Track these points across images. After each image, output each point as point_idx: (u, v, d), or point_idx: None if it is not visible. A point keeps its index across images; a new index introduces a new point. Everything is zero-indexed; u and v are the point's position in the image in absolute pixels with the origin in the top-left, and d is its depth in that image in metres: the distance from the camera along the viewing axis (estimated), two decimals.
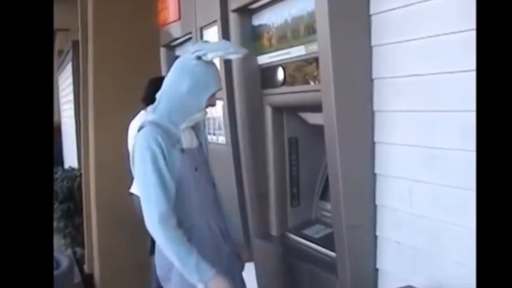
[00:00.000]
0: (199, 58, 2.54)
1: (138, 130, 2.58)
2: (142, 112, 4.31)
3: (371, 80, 2.46)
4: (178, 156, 2.54)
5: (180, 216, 2.53)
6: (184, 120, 2.59)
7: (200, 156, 2.72)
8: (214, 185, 2.80)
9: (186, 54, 2.61)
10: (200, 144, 2.74)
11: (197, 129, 2.75)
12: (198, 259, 2.45)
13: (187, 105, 2.57)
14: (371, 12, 2.44)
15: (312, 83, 2.80)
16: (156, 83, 4.33)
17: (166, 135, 2.51)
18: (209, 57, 2.55)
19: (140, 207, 4.24)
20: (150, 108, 2.65)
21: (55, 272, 3.35)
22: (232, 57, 2.65)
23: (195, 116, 2.63)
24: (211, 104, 2.64)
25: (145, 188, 2.51)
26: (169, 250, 2.47)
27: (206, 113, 2.68)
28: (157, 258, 2.70)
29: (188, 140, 2.63)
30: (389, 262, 2.50)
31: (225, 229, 2.77)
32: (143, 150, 2.49)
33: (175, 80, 2.58)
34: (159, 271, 2.70)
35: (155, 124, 2.54)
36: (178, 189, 2.54)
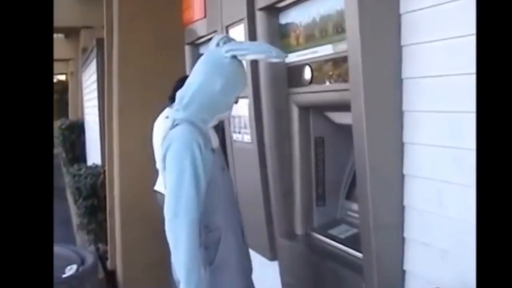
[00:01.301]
0: (233, 57, 2.50)
1: (172, 127, 2.51)
2: (168, 109, 4.32)
3: (401, 80, 2.44)
4: (210, 156, 2.50)
5: (207, 218, 2.49)
6: (212, 119, 2.57)
7: (223, 155, 2.71)
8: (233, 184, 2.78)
9: (218, 51, 2.53)
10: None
11: (222, 124, 2.73)
12: (201, 279, 2.41)
13: (218, 104, 2.54)
14: (401, 11, 2.41)
15: (339, 82, 2.78)
16: (184, 81, 4.37)
17: (202, 135, 2.47)
18: (247, 58, 2.54)
19: (163, 203, 4.28)
20: (177, 105, 2.57)
21: (81, 268, 3.38)
22: (273, 60, 2.58)
23: (223, 115, 2.62)
24: (236, 101, 2.63)
25: (177, 191, 2.42)
26: (182, 260, 2.40)
27: (231, 111, 2.66)
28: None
29: (214, 139, 2.61)
30: (417, 263, 2.48)
31: (243, 230, 2.76)
32: (183, 150, 2.42)
33: (207, 78, 2.51)
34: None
35: (191, 122, 2.49)
36: (207, 190, 2.48)
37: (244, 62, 2.62)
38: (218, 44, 2.58)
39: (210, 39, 4.31)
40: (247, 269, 2.74)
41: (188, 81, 2.60)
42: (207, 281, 2.49)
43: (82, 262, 3.49)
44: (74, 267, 3.37)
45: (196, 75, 2.56)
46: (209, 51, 2.62)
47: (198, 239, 2.42)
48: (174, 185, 2.44)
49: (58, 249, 3.76)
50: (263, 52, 2.53)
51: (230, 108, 2.61)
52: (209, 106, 2.53)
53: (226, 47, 2.51)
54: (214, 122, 2.60)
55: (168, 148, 2.47)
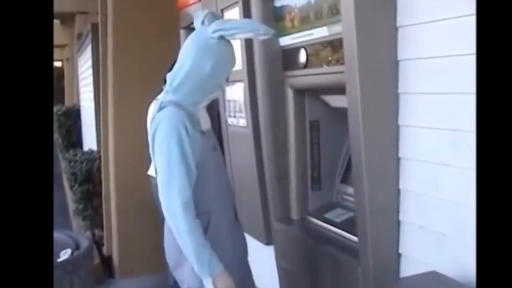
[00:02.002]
0: (221, 37, 2.44)
1: (159, 110, 2.49)
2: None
3: (396, 62, 2.42)
4: (199, 138, 2.48)
5: (197, 201, 2.46)
6: (203, 100, 2.55)
7: (214, 136, 2.68)
8: (225, 166, 2.76)
9: (205, 32, 2.47)
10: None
11: (216, 108, 2.71)
12: (212, 253, 2.40)
13: (208, 85, 2.51)
14: None
15: (335, 65, 2.76)
16: None
17: (189, 118, 2.45)
18: (236, 37, 2.49)
19: (156, 188, 4.27)
20: (167, 87, 2.54)
21: (76, 253, 3.37)
22: (261, 38, 2.54)
23: (213, 95, 2.61)
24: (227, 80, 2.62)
25: (168, 173, 2.41)
26: (186, 240, 2.39)
27: (222, 90, 2.63)
28: (167, 245, 2.65)
29: (205, 121, 2.59)
30: (412, 247, 2.47)
31: (236, 211, 2.73)
32: (168, 132, 2.41)
33: (196, 61, 2.46)
34: (172, 260, 2.64)
35: (178, 105, 2.46)
36: (198, 173, 2.47)
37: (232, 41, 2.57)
38: (203, 22, 2.52)
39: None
40: (240, 250, 2.71)
41: (177, 62, 2.55)
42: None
43: (76, 247, 3.48)
44: (69, 251, 3.36)
45: (185, 58, 2.51)
46: (196, 31, 2.56)
47: (195, 215, 2.40)
48: (164, 167, 2.42)
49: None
50: (250, 30, 2.47)
51: (221, 87, 2.61)
52: (199, 88, 2.50)
53: (212, 27, 2.45)
54: (205, 102, 2.59)
55: (155, 130, 2.45)
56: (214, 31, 2.43)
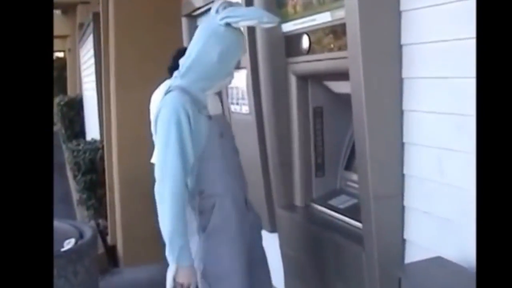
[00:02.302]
0: (228, 24, 2.50)
1: (165, 94, 2.55)
2: (167, 82, 4.27)
3: (400, 46, 2.40)
4: (205, 122, 2.53)
5: (202, 184, 2.54)
6: (212, 86, 2.60)
7: (225, 122, 2.74)
8: (238, 153, 2.78)
9: (214, 19, 2.54)
10: (223, 110, 2.75)
11: (221, 95, 2.72)
12: (186, 244, 2.46)
13: (217, 72, 2.56)
14: None
15: (338, 50, 2.73)
16: (184, 52, 4.33)
17: (193, 101, 2.49)
18: (240, 25, 2.52)
19: None
20: (176, 73, 2.61)
21: (80, 242, 3.36)
22: (266, 26, 2.55)
23: (224, 82, 2.65)
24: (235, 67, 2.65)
25: (163, 154, 2.47)
26: (166, 221, 2.44)
27: (233, 77, 2.67)
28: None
29: (214, 106, 2.63)
30: (417, 232, 2.46)
31: (248, 197, 2.77)
32: (168, 115, 2.47)
33: (205, 47, 2.53)
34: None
35: (183, 90, 2.52)
36: (203, 156, 2.53)
37: (241, 28, 2.61)
38: (217, 11, 2.57)
39: (207, 11, 4.29)
40: (248, 236, 2.71)
41: (188, 49, 2.61)
42: (201, 246, 2.57)
43: (80, 236, 3.47)
44: (73, 241, 3.35)
45: (195, 44, 2.58)
46: (207, 19, 2.63)
47: (183, 203, 2.46)
48: (161, 149, 2.49)
49: (56, 223, 3.72)
50: (255, 18, 2.50)
51: (230, 74, 2.63)
52: (207, 74, 2.55)
53: (221, 15, 2.51)
54: (215, 89, 2.64)
55: (158, 113, 2.52)
56: (222, 19, 2.49)
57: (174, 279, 2.47)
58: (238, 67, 2.68)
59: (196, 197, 2.58)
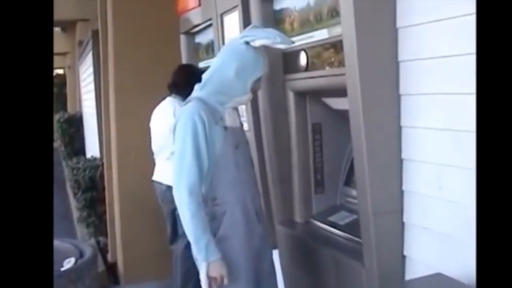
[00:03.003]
0: (247, 43, 2.65)
1: (185, 104, 2.71)
2: (168, 99, 4.30)
3: (397, 63, 2.41)
4: (221, 133, 2.66)
5: (215, 191, 2.69)
6: (229, 101, 2.71)
7: (242, 135, 2.84)
8: (253, 165, 2.92)
9: (236, 38, 2.73)
10: (241, 124, 2.87)
11: (239, 110, 2.89)
12: (210, 239, 2.60)
13: (233, 87, 2.69)
14: None
15: (336, 67, 2.74)
16: (185, 70, 4.36)
17: (210, 112, 2.63)
18: (256, 43, 2.65)
19: (161, 194, 4.27)
20: (197, 86, 2.76)
21: (80, 261, 3.36)
22: (279, 46, 2.69)
23: (240, 99, 2.76)
24: (256, 88, 2.80)
25: (180, 159, 2.62)
26: (188, 223, 2.59)
27: (251, 96, 2.78)
28: None
29: (231, 119, 2.74)
30: (417, 249, 2.45)
31: (260, 209, 2.88)
32: (185, 122, 2.61)
33: (223, 63, 2.70)
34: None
35: (201, 100, 2.66)
36: (217, 165, 2.66)
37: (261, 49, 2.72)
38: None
39: (205, 28, 4.31)
40: (257, 247, 2.79)
41: (211, 64, 2.80)
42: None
43: (80, 255, 3.47)
44: (72, 260, 3.35)
45: (216, 59, 2.78)
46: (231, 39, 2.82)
47: (199, 203, 2.60)
48: (178, 155, 2.64)
49: (56, 243, 3.74)
50: (270, 37, 2.64)
51: (247, 92, 2.74)
52: (224, 88, 2.69)
53: (242, 34, 2.72)
54: (232, 104, 2.75)
55: (176, 122, 2.69)
56: (242, 37, 2.69)
57: (208, 275, 2.61)
58: (257, 89, 2.81)
59: (208, 203, 2.69)
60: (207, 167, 2.63)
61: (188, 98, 2.73)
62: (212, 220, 2.69)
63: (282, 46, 2.68)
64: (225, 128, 2.68)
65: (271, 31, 2.71)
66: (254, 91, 2.78)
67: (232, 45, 2.73)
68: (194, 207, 2.58)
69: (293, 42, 2.77)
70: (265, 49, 2.74)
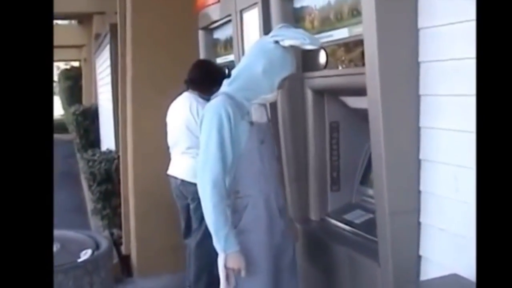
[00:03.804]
0: (276, 42, 2.69)
1: (213, 99, 2.76)
2: (185, 94, 4.32)
3: (417, 64, 2.42)
4: (246, 127, 2.71)
5: (238, 185, 2.74)
6: (256, 98, 2.76)
7: (268, 131, 2.88)
8: (278, 161, 2.96)
9: (265, 37, 2.80)
10: (269, 120, 2.91)
11: (267, 105, 2.92)
12: (230, 231, 2.64)
13: (260, 85, 2.74)
14: None
15: (355, 66, 2.75)
16: (202, 65, 4.38)
17: (237, 107, 2.69)
18: (285, 43, 2.68)
19: (176, 188, 4.30)
20: (225, 81, 2.81)
21: (96, 253, 3.38)
22: (307, 47, 2.70)
23: (267, 96, 2.80)
24: (282, 86, 2.83)
25: (205, 152, 2.67)
26: (209, 213, 2.63)
27: (277, 94, 2.83)
28: None
29: (258, 115, 2.79)
30: (433, 249, 2.46)
31: (283, 205, 2.92)
32: (211, 116, 2.66)
33: (252, 60, 2.75)
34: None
35: (228, 95, 2.71)
36: (241, 159, 2.72)
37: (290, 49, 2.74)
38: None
39: (224, 24, 4.33)
40: (278, 240, 2.84)
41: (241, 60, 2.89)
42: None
43: (97, 247, 3.49)
44: (89, 251, 3.37)
45: (245, 56, 2.87)
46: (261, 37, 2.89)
47: (222, 195, 2.65)
48: (203, 147, 2.69)
49: (73, 234, 3.78)
50: (298, 38, 2.67)
51: (273, 90, 2.78)
52: (251, 85, 2.74)
53: (271, 33, 2.77)
54: (259, 101, 2.80)
55: (203, 115, 2.74)
56: (271, 36, 2.74)
57: (226, 266, 2.65)
58: (282, 87, 2.83)
59: (231, 196, 2.74)
60: (231, 161, 2.68)
61: (216, 93, 2.78)
62: (234, 212, 2.75)
63: (310, 47, 2.69)
64: (251, 123, 2.73)
65: (300, 32, 2.74)
66: (280, 88, 2.82)
67: (261, 43, 2.78)
68: (217, 198, 2.62)
69: (320, 43, 2.79)
70: (293, 49, 2.76)
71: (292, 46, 2.71)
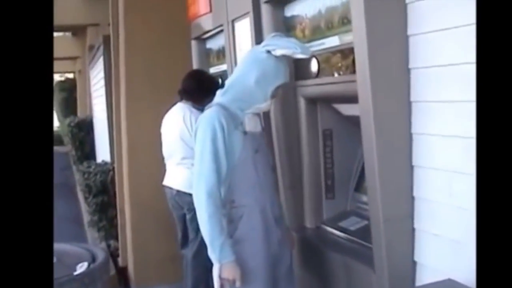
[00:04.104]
0: (268, 52, 2.70)
1: (206, 109, 2.77)
2: (179, 105, 4.32)
3: (408, 70, 2.43)
4: (240, 137, 2.72)
5: (233, 194, 2.75)
6: (250, 107, 2.76)
7: (262, 140, 2.89)
8: (273, 170, 2.97)
9: (258, 47, 2.80)
10: (263, 129, 2.92)
11: (261, 114, 2.94)
12: (225, 241, 2.65)
13: (253, 95, 2.74)
14: (407, 0, 2.40)
15: (346, 74, 2.77)
16: (195, 76, 4.39)
17: (231, 117, 2.70)
18: (277, 53, 2.69)
19: (171, 199, 4.30)
20: (219, 92, 2.82)
21: (92, 266, 3.38)
22: (299, 56, 2.70)
23: (261, 106, 2.81)
24: (276, 95, 2.82)
25: (199, 163, 2.68)
26: (204, 223, 2.64)
27: (271, 103, 2.83)
28: None
29: (252, 124, 2.80)
30: (427, 255, 2.47)
31: (279, 214, 2.92)
32: (205, 127, 2.68)
33: (244, 70, 2.76)
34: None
35: (221, 106, 2.72)
36: (236, 169, 2.72)
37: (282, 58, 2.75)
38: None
39: (216, 34, 4.34)
40: (275, 249, 2.84)
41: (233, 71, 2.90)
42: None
43: (93, 259, 3.49)
44: (85, 264, 3.37)
45: (238, 66, 2.89)
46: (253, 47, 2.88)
47: (217, 205, 2.66)
48: (197, 157, 2.71)
49: (68, 247, 3.78)
50: (289, 47, 2.67)
51: (267, 99, 2.78)
52: (244, 95, 2.75)
53: (263, 43, 2.78)
54: (252, 110, 2.80)
55: (197, 126, 2.75)
56: (263, 46, 2.75)
57: (220, 277, 2.67)
58: (276, 96, 2.82)
59: (227, 206, 2.75)
60: (226, 171, 2.69)
61: (210, 104, 2.79)
62: (229, 222, 2.76)
63: (301, 56, 2.70)
64: (245, 133, 2.74)
65: (292, 41, 2.75)
66: (273, 98, 2.81)
67: (254, 53, 2.79)
68: (212, 209, 2.63)
69: (312, 53, 2.80)
70: (286, 58, 2.77)
71: (284, 55, 2.71)
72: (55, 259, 3.43)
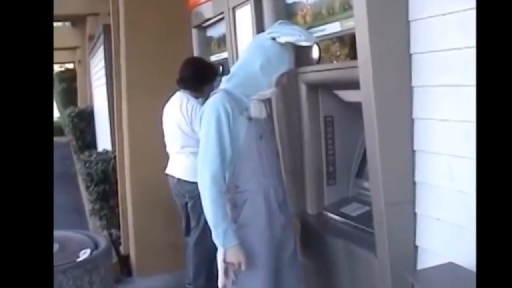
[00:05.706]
0: (273, 39, 2.72)
1: (212, 95, 2.80)
2: (177, 94, 4.32)
3: (409, 55, 2.43)
4: (245, 123, 2.76)
5: (237, 180, 2.78)
6: (254, 94, 2.79)
7: (267, 126, 2.91)
8: (278, 156, 3.00)
9: (263, 34, 2.84)
10: (268, 115, 2.95)
11: (266, 101, 2.96)
12: (229, 226, 2.68)
13: (258, 81, 2.76)
14: None
15: (348, 60, 2.77)
16: (192, 63, 4.39)
17: (235, 103, 2.73)
18: (282, 40, 2.71)
19: (173, 187, 4.31)
20: (224, 78, 2.85)
21: (95, 252, 3.40)
22: (303, 44, 2.73)
23: (265, 92, 2.83)
24: (281, 82, 2.83)
25: (204, 148, 2.72)
26: (208, 208, 2.66)
27: (275, 90, 2.85)
28: None
29: (257, 110, 2.83)
30: (429, 239, 2.48)
31: (284, 200, 2.94)
32: (210, 112, 2.70)
33: (249, 57, 2.79)
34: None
35: (227, 92, 2.75)
36: (240, 154, 2.75)
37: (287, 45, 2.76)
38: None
39: (216, 21, 4.34)
40: (278, 234, 2.86)
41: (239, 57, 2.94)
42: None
43: (95, 246, 3.51)
44: (88, 251, 3.39)
45: (243, 53, 2.92)
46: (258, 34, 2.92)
47: (221, 190, 2.70)
48: (202, 142, 2.74)
49: (71, 234, 3.80)
50: (293, 35, 2.70)
51: (271, 86, 2.81)
52: (249, 81, 2.78)
53: (268, 30, 2.82)
54: (257, 97, 2.82)
55: (203, 111, 2.77)
56: (268, 33, 2.78)
57: (225, 261, 2.70)
58: (281, 83, 2.84)
59: (231, 191, 2.78)
60: (230, 156, 2.71)
61: (215, 90, 2.82)
62: (234, 207, 2.78)
63: (305, 44, 2.72)
64: (250, 118, 2.77)
65: (296, 29, 2.76)
66: (278, 85, 2.83)
67: (259, 40, 2.82)
68: (216, 193, 2.65)
69: (316, 40, 2.82)
70: (291, 45, 2.78)
71: (288, 43, 2.73)
72: (57, 246, 3.45)
